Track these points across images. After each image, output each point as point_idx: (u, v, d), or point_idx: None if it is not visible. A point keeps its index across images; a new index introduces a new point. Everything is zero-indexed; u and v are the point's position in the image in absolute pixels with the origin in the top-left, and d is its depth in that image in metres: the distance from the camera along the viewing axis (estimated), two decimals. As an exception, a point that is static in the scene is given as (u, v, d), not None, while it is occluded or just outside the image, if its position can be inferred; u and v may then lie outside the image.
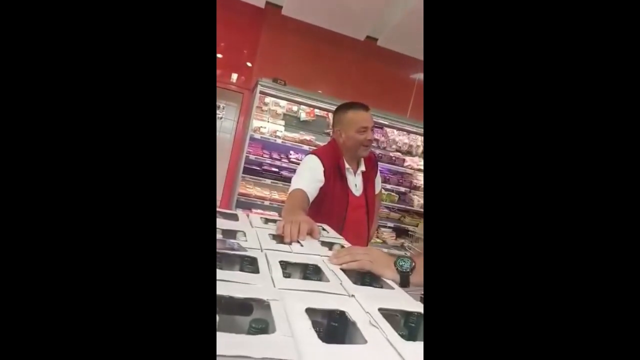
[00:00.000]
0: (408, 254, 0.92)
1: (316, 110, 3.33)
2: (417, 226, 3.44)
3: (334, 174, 1.40)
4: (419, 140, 3.50)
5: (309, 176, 1.35)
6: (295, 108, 3.34)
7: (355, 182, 1.47)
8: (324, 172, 1.37)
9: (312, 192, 1.31)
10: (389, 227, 3.43)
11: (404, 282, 0.70)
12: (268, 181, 3.12)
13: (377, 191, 1.62)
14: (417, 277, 0.71)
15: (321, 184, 1.35)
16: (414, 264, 0.72)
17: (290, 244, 0.82)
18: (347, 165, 1.45)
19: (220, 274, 0.55)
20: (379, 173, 1.63)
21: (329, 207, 1.37)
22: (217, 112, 3.71)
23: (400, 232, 3.51)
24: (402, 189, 3.45)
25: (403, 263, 0.72)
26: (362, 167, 1.51)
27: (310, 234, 0.90)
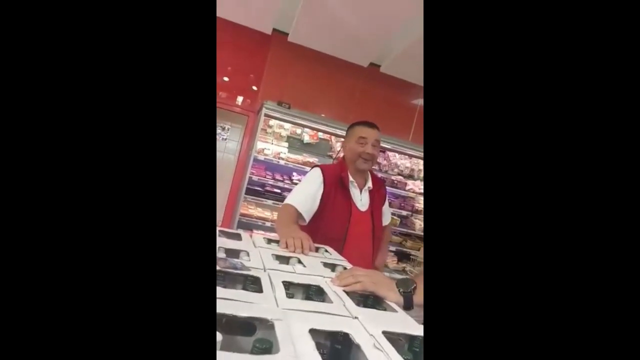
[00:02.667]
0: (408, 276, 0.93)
1: (319, 133, 3.38)
2: (418, 250, 3.40)
3: (336, 185, 1.40)
4: (421, 164, 3.53)
5: (304, 189, 1.38)
6: (299, 131, 3.39)
7: (360, 197, 1.45)
8: (324, 182, 1.37)
9: (305, 206, 1.32)
10: (391, 251, 3.40)
11: (408, 304, 0.70)
12: (270, 202, 3.13)
13: (386, 222, 1.58)
14: (420, 297, 0.71)
15: (319, 196, 1.36)
16: (414, 284, 0.71)
17: (294, 251, 0.93)
18: (350, 178, 1.43)
19: (223, 292, 0.55)
20: (387, 202, 1.60)
21: (330, 217, 1.36)
22: (222, 133, 3.77)
23: (402, 256, 3.47)
24: (404, 213, 3.45)
25: (404, 285, 0.71)
26: (369, 184, 1.48)
27: (310, 249, 0.98)
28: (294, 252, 0.93)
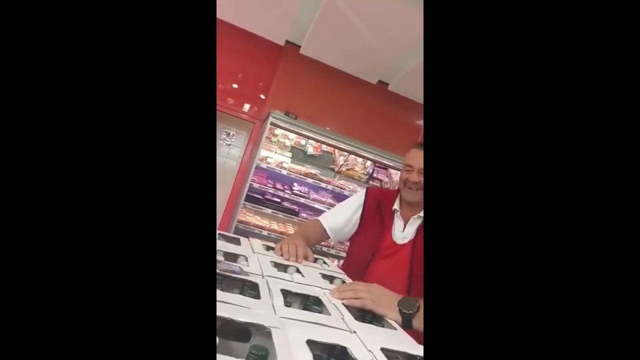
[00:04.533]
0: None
1: (323, 145, 3.39)
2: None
3: (375, 211, 1.24)
4: (422, 185, 3.52)
5: (340, 208, 1.31)
6: (303, 142, 3.41)
7: (401, 228, 1.19)
8: (364, 205, 1.26)
9: (333, 223, 1.24)
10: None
11: (407, 324, 0.68)
12: (269, 211, 3.11)
13: None
14: (420, 322, 0.69)
15: (356, 218, 1.26)
16: (417, 305, 0.70)
17: (288, 258, 0.92)
18: (395, 207, 1.21)
19: (220, 295, 0.54)
20: None
21: (356, 245, 1.24)
22: (227, 138, 3.78)
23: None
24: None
25: (406, 305, 0.70)
26: (421, 214, 1.17)
27: (305, 258, 0.97)
28: (287, 259, 0.92)
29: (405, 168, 1.21)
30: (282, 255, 0.94)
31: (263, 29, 3.20)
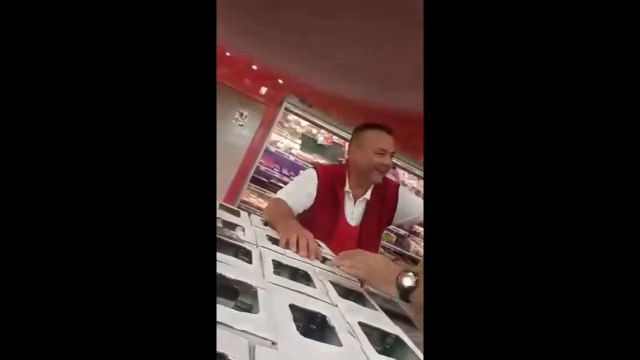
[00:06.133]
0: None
1: (334, 137, 3.40)
2: (409, 272, 3.38)
3: (329, 194, 1.26)
4: (428, 188, 3.52)
5: (295, 188, 1.28)
6: (314, 131, 3.42)
7: (352, 210, 1.29)
8: (318, 186, 1.25)
9: (294, 204, 1.20)
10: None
11: (404, 296, 0.68)
12: (272, 195, 3.15)
13: (403, 220, 1.40)
14: (419, 297, 0.67)
15: (310, 200, 1.24)
16: (417, 279, 0.68)
17: (298, 252, 0.83)
18: (347, 188, 1.28)
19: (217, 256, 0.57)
20: (399, 208, 1.36)
21: (311, 230, 1.13)
22: (239, 119, 3.81)
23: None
24: (402, 232, 3.44)
25: (406, 278, 0.69)
26: (367, 196, 1.29)
27: (316, 256, 0.87)
28: (297, 252, 0.83)
29: (377, 151, 1.23)
30: (294, 249, 0.85)
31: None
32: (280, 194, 1.25)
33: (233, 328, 0.37)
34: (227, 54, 3.42)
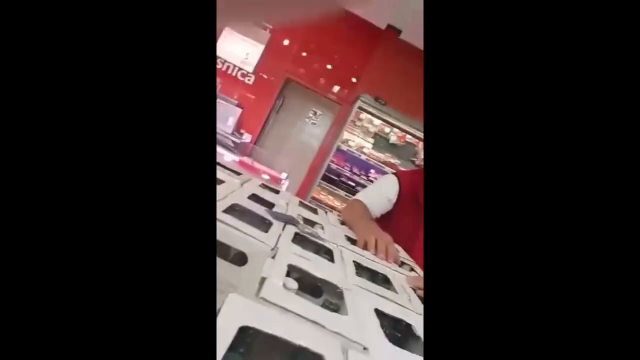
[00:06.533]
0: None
1: (408, 136, 3.30)
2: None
3: (410, 201, 1.22)
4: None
5: (376, 192, 1.25)
6: (387, 130, 3.36)
7: None
8: (399, 192, 1.22)
9: (373, 207, 1.19)
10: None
11: None
12: (342, 193, 3.17)
13: None
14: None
15: (390, 205, 1.22)
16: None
17: (376, 255, 0.81)
18: None
19: (300, 252, 0.58)
20: None
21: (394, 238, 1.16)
22: (313, 117, 3.90)
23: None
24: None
25: None
26: None
27: (395, 260, 0.84)
28: (375, 254, 0.81)
29: None
30: (372, 251, 0.82)
31: (366, 11, 3.17)
32: (360, 196, 1.24)
33: (325, 328, 0.37)
34: (303, 54, 3.51)
